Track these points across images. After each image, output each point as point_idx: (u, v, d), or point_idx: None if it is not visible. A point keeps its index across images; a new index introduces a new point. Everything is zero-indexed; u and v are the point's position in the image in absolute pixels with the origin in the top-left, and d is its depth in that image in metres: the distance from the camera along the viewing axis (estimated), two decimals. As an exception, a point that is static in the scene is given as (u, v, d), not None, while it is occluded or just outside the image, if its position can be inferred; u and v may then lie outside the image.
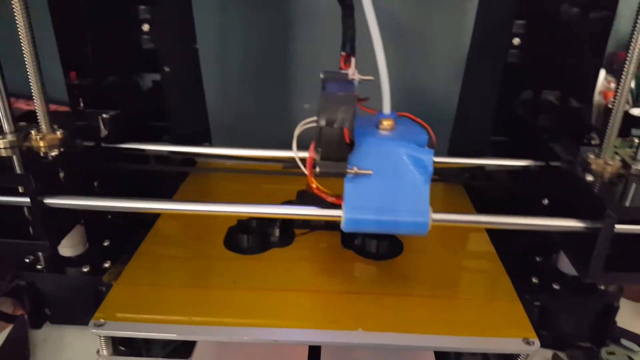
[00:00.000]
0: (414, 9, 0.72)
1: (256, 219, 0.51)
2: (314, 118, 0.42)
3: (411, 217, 0.38)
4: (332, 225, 0.52)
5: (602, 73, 0.70)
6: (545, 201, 0.50)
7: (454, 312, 0.43)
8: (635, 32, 0.44)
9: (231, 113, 0.79)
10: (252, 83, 0.84)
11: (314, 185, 0.41)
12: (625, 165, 0.46)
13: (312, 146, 0.41)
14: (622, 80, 0.44)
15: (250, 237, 0.49)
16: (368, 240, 0.50)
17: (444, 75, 0.74)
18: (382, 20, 0.41)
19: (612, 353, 0.52)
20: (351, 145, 0.37)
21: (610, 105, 0.67)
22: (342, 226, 0.40)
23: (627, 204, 0.41)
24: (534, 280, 0.51)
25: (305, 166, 0.40)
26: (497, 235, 0.54)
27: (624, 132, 0.68)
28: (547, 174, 0.50)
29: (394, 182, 0.38)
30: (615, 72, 0.69)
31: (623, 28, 0.72)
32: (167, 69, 0.54)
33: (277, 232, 0.50)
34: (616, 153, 0.47)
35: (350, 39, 0.45)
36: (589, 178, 0.44)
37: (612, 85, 0.68)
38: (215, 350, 0.43)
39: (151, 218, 0.55)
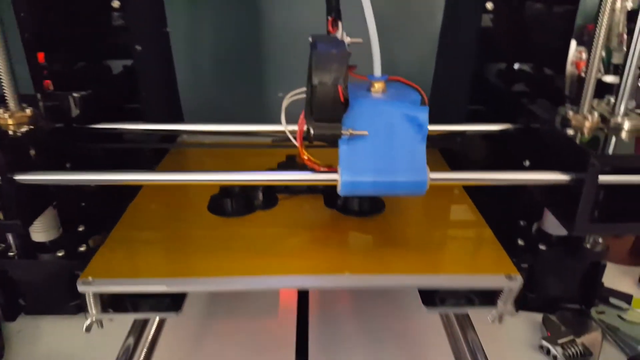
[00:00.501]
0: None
1: (239, 186, 0.50)
2: (303, 89, 0.41)
3: (409, 177, 0.38)
4: (313, 189, 0.52)
5: (574, 44, 0.71)
6: (527, 163, 0.50)
7: (438, 257, 0.44)
8: (603, 6, 0.45)
9: (204, 101, 0.78)
10: (225, 71, 0.83)
11: (305, 157, 0.40)
12: (603, 119, 0.46)
13: (301, 117, 0.40)
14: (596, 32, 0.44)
15: (233, 201, 0.49)
16: (350, 199, 0.49)
17: (419, 49, 0.74)
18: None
19: (602, 312, 0.52)
20: (346, 105, 0.37)
21: (582, 74, 0.68)
22: (339, 190, 0.39)
23: (609, 153, 0.41)
24: (520, 242, 0.51)
25: (295, 138, 0.40)
26: (480, 202, 0.54)
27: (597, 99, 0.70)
28: (527, 135, 0.51)
29: (389, 142, 0.38)
30: (586, 43, 0.70)
31: (590, 1, 0.73)
32: (138, 47, 0.52)
33: (260, 195, 0.50)
34: (593, 109, 0.48)
35: (335, 3, 0.45)
36: (570, 132, 0.44)
37: (584, 55, 0.70)
38: (207, 303, 0.42)
39: (126, 203, 0.53)
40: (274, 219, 0.48)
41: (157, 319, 0.46)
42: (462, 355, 0.44)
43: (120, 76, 0.58)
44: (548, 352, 0.48)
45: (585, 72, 0.48)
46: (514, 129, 0.53)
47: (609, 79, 0.68)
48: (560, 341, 0.48)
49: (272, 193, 0.51)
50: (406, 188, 0.39)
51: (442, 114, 0.63)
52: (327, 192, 0.52)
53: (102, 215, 0.51)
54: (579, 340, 0.48)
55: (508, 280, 0.40)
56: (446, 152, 0.61)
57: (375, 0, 0.77)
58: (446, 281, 0.40)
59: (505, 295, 0.40)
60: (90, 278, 0.39)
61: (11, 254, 0.48)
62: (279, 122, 0.52)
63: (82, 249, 0.49)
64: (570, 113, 0.47)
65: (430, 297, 0.42)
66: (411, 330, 0.50)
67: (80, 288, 0.38)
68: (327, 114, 0.36)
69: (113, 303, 0.40)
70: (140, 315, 0.43)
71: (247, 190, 0.49)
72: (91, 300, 0.39)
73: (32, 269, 0.49)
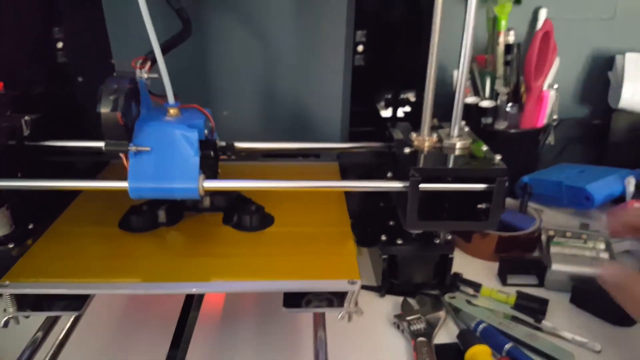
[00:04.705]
0: (300, 33, 0.84)
1: (147, 204, 0.59)
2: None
3: (183, 184, 0.50)
4: (215, 208, 0.61)
5: (456, 72, 0.83)
6: (389, 174, 0.62)
7: (301, 265, 0.52)
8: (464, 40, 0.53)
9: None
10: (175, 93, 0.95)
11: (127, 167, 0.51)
12: (440, 140, 0.58)
13: None
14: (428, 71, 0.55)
15: (139, 218, 0.58)
16: (242, 216, 0.59)
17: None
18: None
19: (453, 297, 0.63)
20: (126, 126, 0.49)
21: (467, 100, 0.80)
22: (130, 194, 0.50)
23: (427, 166, 0.53)
24: (383, 238, 0.62)
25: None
26: (360, 207, 0.66)
27: (476, 122, 0.82)
28: (388, 153, 0.62)
29: (170, 156, 0.50)
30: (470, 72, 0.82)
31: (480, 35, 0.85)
32: (80, 79, 0.65)
33: (163, 213, 0.59)
34: (436, 132, 0.59)
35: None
36: (406, 150, 0.56)
37: (467, 83, 0.81)
38: (106, 304, 0.52)
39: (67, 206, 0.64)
40: (172, 234, 0.58)
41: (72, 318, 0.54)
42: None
43: (66, 102, 0.71)
44: (398, 326, 0.59)
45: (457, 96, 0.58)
46: (384, 147, 0.65)
47: (486, 103, 0.80)
48: (408, 318, 0.59)
49: (179, 210, 0.60)
50: (182, 192, 0.50)
51: (343, 136, 0.75)
52: (227, 210, 0.61)
53: (47, 216, 0.63)
54: (424, 318, 0.59)
55: (349, 285, 0.48)
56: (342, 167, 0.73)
57: (291, 46, 0.89)
58: (300, 285, 0.49)
59: (349, 296, 0.48)
60: (7, 282, 0.48)
61: (-29, 245, 0.61)
62: (225, 137, 0.65)
63: (29, 242, 0.61)
64: (414, 135, 0.58)
65: (296, 300, 0.49)
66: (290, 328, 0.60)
67: (-1, 290, 0.47)
68: (112, 134, 0.48)
69: (32, 303, 0.48)
70: (48, 314, 0.51)
71: (154, 207, 0.58)
72: (8, 300, 0.47)
73: (-11, 257, 0.61)
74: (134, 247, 0.55)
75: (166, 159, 0.50)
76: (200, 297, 0.56)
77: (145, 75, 0.53)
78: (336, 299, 0.50)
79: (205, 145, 0.53)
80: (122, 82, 0.49)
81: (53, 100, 0.68)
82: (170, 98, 0.53)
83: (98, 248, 0.56)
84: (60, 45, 0.64)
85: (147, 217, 0.58)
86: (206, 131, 0.55)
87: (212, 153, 0.54)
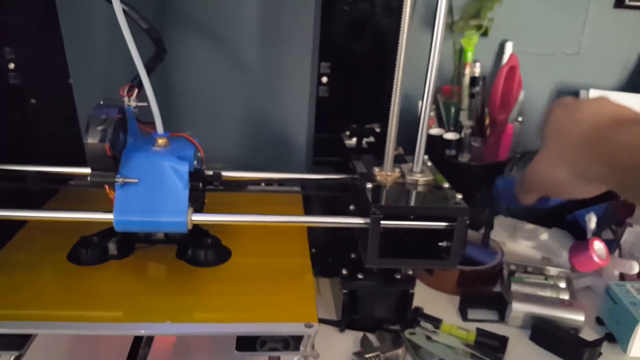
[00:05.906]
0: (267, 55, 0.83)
1: (97, 235, 0.56)
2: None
3: (171, 217, 0.48)
4: (170, 240, 0.58)
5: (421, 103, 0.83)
6: (352, 207, 0.61)
7: (257, 305, 0.50)
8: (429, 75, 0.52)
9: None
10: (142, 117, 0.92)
11: (111, 196, 0.49)
12: (403, 175, 0.57)
13: None
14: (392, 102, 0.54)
15: (88, 251, 0.54)
16: (197, 251, 0.56)
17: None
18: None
19: (413, 333, 0.62)
20: (114, 158, 0.46)
21: (431, 132, 0.80)
22: (115, 227, 0.48)
23: (389, 203, 0.52)
24: (344, 272, 0.61)
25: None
26: (322, 235, 0.65)
27: (440, 153, 0.82)
28: (351, 185, 0.61)
29: (158, 188, 0.48)
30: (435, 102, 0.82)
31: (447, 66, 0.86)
32: (33, 101, 0.62)
33: (114, 246, 0.55)
34: (399, 167, 0.58)
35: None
36: (369, 185, 0.55)
37: (432, 114, 0.82)
38: (50, 343, 0.49)
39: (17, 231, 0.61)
40: (122, 269, 0.54)
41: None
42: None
43: (18, 125, 0.67)
44: (357, 365, 0.58)
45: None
46: (347, 179, 0.64)
47: (450, 135, 0.80)
48: (367, 356, 0.57)
49: (130, 242, 0.57)
50: (169, 226, 0.48)
51: (307, 164, 0.74)
52: (181, 243, 0.58)
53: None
54: (383, 356, 0.58)
55: (306, 328, 0.46)
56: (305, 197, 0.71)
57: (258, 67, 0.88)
58: (254, 328, 0.46)
59: (305, 340, 0.47)
60: None
61: None
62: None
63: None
64: (377, 169, 0.57)
65: (250, 342, 0.47)
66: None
67: None
68: (99, 165, 0.46)
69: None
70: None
71: (104, 239, 0.55)
72: None
73: None
74: (81, 282, 0.52)
75: (154, 192, 0.48)
76: (149, 337, 0.53)
77: (133, 104, 0.50)
78: (292, 340, 0.48)
79: (195, 176, 0.51)
80: (111, 111, 0.47)
81: (4, 122, 0.65)
82: (159, 127, 0.51)
83: (44, 282, 0.52)
84: (12, 66, 0.61)
85: (96, 250, 0.55)
86: (195, 162, 0.53)
87: (200, 185, 0.52)
